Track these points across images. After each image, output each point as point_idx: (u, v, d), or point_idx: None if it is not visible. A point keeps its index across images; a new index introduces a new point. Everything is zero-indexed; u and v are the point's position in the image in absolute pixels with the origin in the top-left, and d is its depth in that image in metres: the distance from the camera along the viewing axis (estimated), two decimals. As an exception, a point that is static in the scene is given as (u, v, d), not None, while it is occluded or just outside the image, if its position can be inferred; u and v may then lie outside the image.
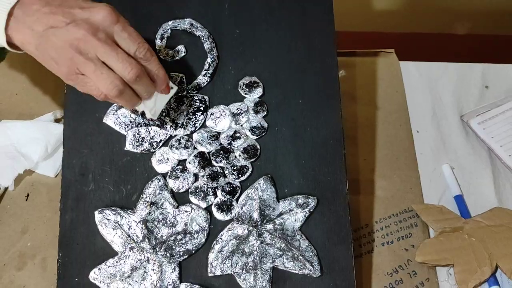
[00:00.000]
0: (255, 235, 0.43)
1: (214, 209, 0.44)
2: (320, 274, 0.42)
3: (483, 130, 0.55)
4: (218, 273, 0.43)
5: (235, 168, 0.45)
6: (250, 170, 0.45)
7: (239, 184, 0.45)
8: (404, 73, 0.62)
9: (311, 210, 0.44)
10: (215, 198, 0.44)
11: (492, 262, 0.47)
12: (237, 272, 0.43)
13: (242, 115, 0.46)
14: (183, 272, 0.43)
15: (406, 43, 0.68)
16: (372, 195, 0.53)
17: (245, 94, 0.47)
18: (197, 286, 0.42)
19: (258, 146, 0.46)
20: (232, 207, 0.44)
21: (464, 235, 0.48)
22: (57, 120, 0.61)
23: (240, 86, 0.47)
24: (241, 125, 0.46)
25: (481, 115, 0.57)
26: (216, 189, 0.45)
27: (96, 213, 0.44)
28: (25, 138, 0.58)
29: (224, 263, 0.43)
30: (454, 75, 0.62)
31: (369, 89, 0.60)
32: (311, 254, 0.43)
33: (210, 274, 0.43)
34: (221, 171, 0.45)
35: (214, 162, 0.45)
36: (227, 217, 0.44)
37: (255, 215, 0.43)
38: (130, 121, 0.47)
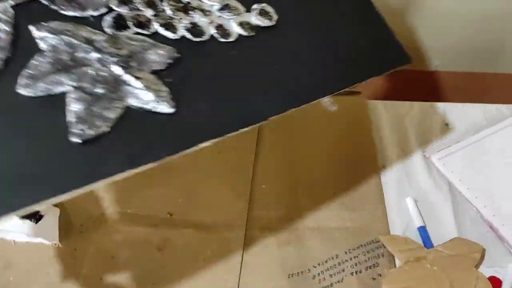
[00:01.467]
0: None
1: None
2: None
3: (443, 165, 0.60)
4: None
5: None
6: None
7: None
8: (371, 110, 0.66)
9: None
10: None
11: (453, 289, 0.50)
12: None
13: None
14: None
15: (373, 81, 0.73)
16: (343, 227, 0.56)
17: None
18: None
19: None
20: None
21: (427, 265, 0.52)
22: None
23: None
24: None
25: (441, 151, 0.61)
26: None
27: None
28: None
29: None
30: (418, 113, 0.67)
31: (339, 127, 0.64)
32: None
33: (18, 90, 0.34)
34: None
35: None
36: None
37: None
38: None
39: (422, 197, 0.58)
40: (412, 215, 0.56)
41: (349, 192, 0.59)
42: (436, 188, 0.59)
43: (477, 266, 0.52)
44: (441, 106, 0.67)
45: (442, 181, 0.60)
